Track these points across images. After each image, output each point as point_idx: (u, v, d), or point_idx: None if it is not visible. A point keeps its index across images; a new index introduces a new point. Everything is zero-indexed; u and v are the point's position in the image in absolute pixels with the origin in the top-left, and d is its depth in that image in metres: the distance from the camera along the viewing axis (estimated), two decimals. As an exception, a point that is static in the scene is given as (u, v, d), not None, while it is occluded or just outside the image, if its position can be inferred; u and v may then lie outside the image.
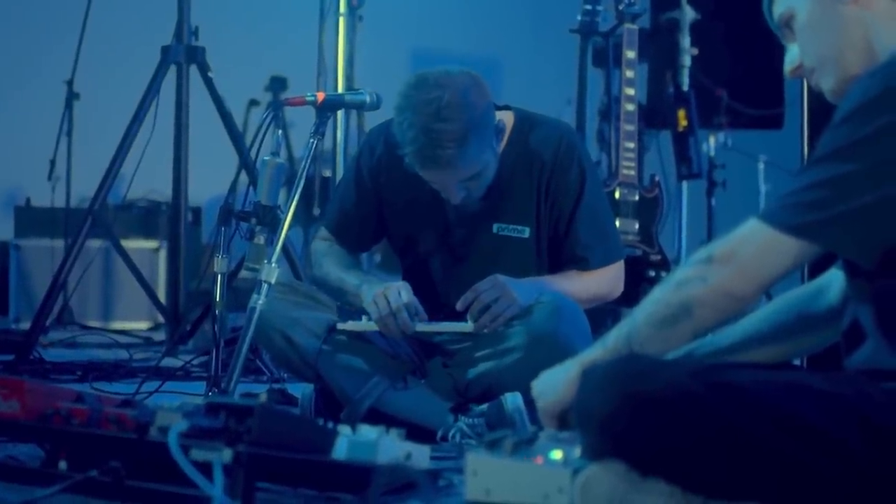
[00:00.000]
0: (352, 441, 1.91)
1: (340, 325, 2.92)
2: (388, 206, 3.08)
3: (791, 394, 1.68)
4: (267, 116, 3.00)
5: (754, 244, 1.76)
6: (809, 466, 1.65)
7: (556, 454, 1.83)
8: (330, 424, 1.99)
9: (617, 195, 4.81)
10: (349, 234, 3.13)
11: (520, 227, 2.99)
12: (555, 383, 1.95)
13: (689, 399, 1.67)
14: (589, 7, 4.91)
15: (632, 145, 4.88)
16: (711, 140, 5.89)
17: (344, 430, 1.96)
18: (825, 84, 1.89)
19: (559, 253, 3.00)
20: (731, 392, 1.67)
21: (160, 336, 5.33)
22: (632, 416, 1.69)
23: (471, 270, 2.95)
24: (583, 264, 2.99)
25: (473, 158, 2.80)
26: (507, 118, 2.97)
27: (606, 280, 3.03)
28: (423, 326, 2.88)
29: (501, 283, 2.81)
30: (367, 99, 3.02)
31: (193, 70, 4.69)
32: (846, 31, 1.86)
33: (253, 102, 6.80)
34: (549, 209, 2.98)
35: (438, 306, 3.01)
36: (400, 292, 2.83)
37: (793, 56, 1.94)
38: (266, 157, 2.95)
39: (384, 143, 3.03)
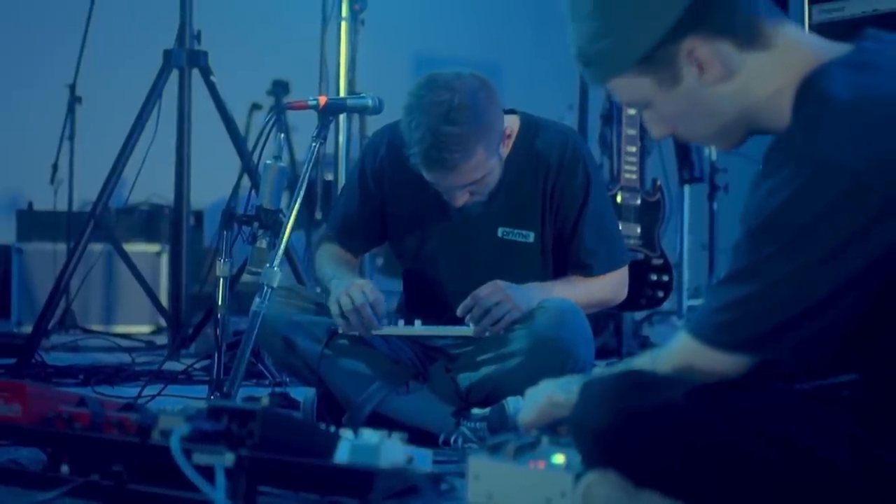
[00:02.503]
0: (354, 445, 1.91)
1: (342, 329, 2.92)
2: (392, 208, 3.08)
3: (782, 413, 1.69)
4: (269, 120, 3.00)
5: (695, 367, 1.74)
6: (800, 486, 1.66)
7: (559, 458, 1.83)
8: (332, 428, 1.99)
9: (619, 199, 4.82)
10: (352, 237, 3.13)
11: (525, 232, 2.98)
12: (532, 404, 2.01)
13: (681, 416, 1.69)
14: (591, 11, 4.90)
15: (634, 149, 4.89)
16: (713, 144, 5.88)
17: (346, 434, 1.96)
18: (717, 147, 1.86)
19: (563, 258, 3.00)
20: (724, 411, 1.68)
21: (162, 340, 5.33)
22: (625, 431, 1.70)
23: (475, 274, 2.94)
24: (587, 270, 2.98)
25: (479, 163, 2.79)
26: (512, 122, 2.96)
27: (609, 286, 3.03)
28: (424, 330, 2.89)
29: (501, 287, 2.81)
30: (370, 103, 3.02)
31: (196, 74, 4.70)
32: (723, 110, 1.78)
33: (255, 106, 6.81)
34: (554, 214, 2.97)
35: (440, 310, 3.01)
36: (364, 290, 2.83)
37: (657, 124, 1.86)
38: (268, 161, 2.95)
39: (387, 145, 3.04)
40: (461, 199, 2.87)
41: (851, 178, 1.59)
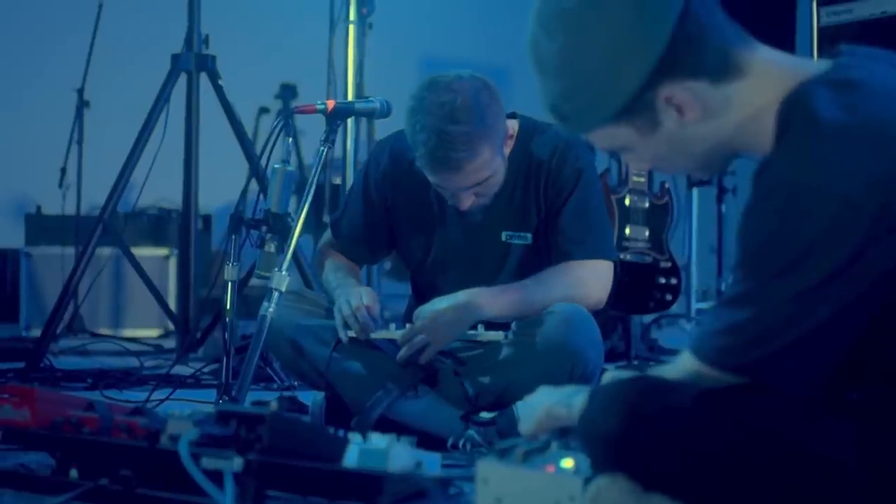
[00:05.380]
0: (362, 449, 1.91)
1: (350, 333, 2.92)
2: (396, 218, 3.08)
3: (791, 418, 1.68)
4: (277, 124, 3.00)
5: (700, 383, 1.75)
6: (807, 490, 1.66)
7: (567, 462, 1.83)
8: (340, 432, 1.99)
9: (627, 202, 4.81)
10: (357, 247, 3.14)
11: (523, 234, 2.98)
12: (530, 414, 2.01)
13: (690, 420, 1.69)
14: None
15: (642, 152, 4.87)
16: (722, 147, 5.87)
17: (354, 438, 1.96)
18: (698, 177, 1.87)
19: (550, 249, 2.98)
20: (732, 415, 1.68)
21: (171, 344, 5.33)
22: (634, 435, 1.70)
23: (482, 279, 2.94)
24: (567, 257, 2.93)
25: (484, 162, 2.79)
26: (512, 126, 2.96)
27: (588, 281, 2.93)
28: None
29: (432, 322, 2.82)
30: (377, 107, 3.02)
31: (204, 78, 4.70)
32: (705, 145, 1.79)
33: (263, 110, 6.82)
34: (546, 209, 2.96)
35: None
36: (361, 294, 2.85)
37: (636, 162, 1.89)
38: (276, 165, 2.95)
39: (389, 154, 3.04)
40: (467, 201, 2.86)
41: (843, 203, 1.58)
